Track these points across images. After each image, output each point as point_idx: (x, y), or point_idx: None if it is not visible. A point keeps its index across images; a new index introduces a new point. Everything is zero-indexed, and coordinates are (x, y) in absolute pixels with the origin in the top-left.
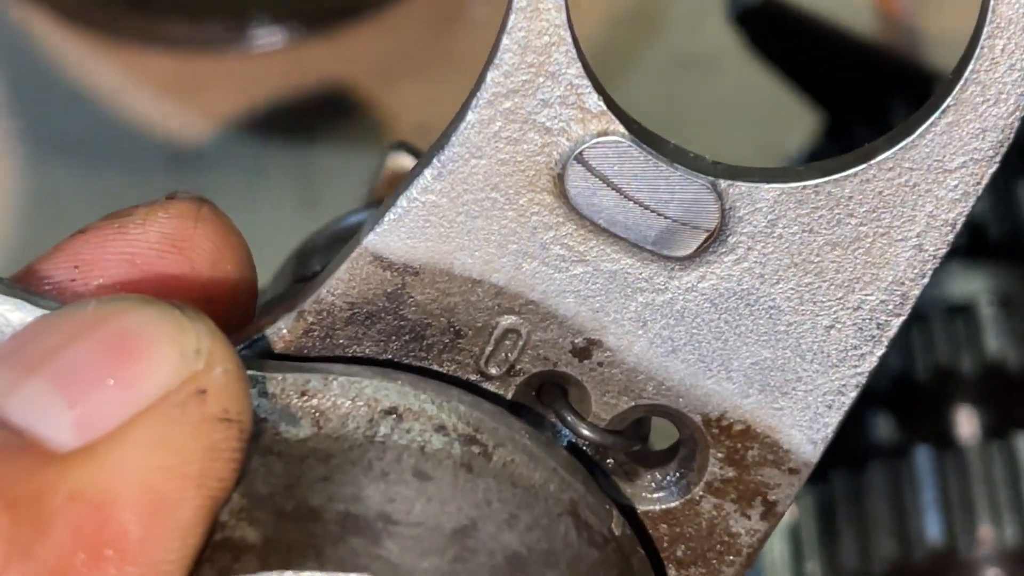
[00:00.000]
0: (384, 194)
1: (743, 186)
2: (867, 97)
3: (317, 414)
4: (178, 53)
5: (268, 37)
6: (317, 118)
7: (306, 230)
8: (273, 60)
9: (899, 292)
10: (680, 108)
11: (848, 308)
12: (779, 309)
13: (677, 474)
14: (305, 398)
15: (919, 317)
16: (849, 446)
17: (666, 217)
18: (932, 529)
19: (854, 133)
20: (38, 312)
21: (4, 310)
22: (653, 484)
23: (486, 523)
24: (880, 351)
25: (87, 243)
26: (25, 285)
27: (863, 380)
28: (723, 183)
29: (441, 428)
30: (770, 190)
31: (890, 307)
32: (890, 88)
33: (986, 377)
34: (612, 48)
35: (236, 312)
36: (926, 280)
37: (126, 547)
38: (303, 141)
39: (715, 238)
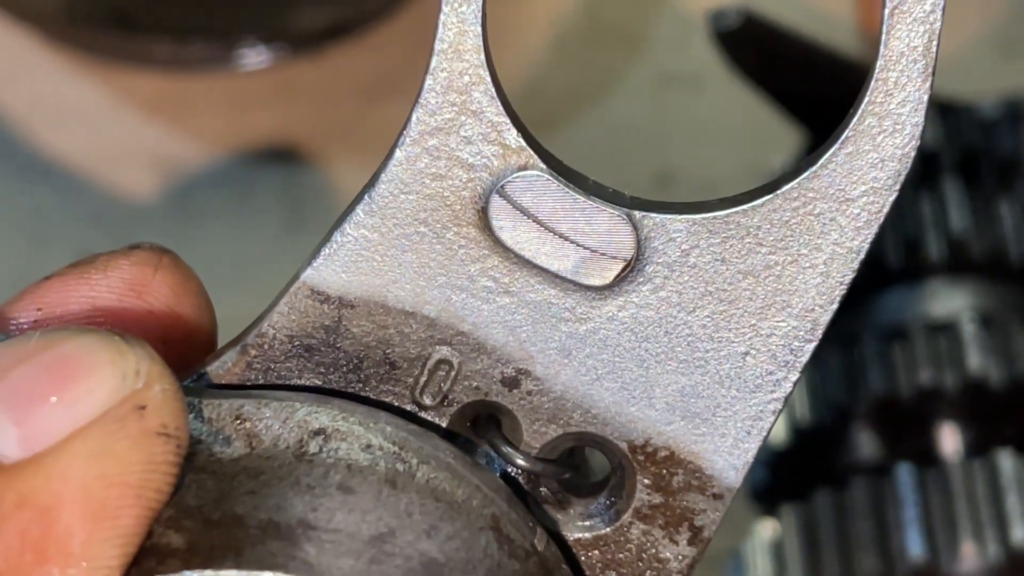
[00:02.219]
0: None
1: (657, 217)
2: (847, 114)
3: (250, 436)
4: (164, 73)
5: (254, 57)
6: (303, 138)
7: (293, 249)
8: (259, 80)
9: (810, 318)
10: (664, 126)
11: (762, 335)
12: (696, 337)
13: (607, 502)
14: (239, 421)
15: (901, 335)
16: (832, 464)
17: (584, 247)
18: (914, 546)
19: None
20: None
21: None
22: (584, 512)
23: (405, 532)
24: (794, 376)
25: (51, 288)
26: None
27: (779, 406)
28: (638, 214)
29: (368, 447)
30: (683, 221)
31: (802, 333)
32: None
33: (968, 394)
34: (597, 67)
35: (193, 353)
36: (835, 306)
37: (69, 550)
38: (289, 161)
39: (632, 267)
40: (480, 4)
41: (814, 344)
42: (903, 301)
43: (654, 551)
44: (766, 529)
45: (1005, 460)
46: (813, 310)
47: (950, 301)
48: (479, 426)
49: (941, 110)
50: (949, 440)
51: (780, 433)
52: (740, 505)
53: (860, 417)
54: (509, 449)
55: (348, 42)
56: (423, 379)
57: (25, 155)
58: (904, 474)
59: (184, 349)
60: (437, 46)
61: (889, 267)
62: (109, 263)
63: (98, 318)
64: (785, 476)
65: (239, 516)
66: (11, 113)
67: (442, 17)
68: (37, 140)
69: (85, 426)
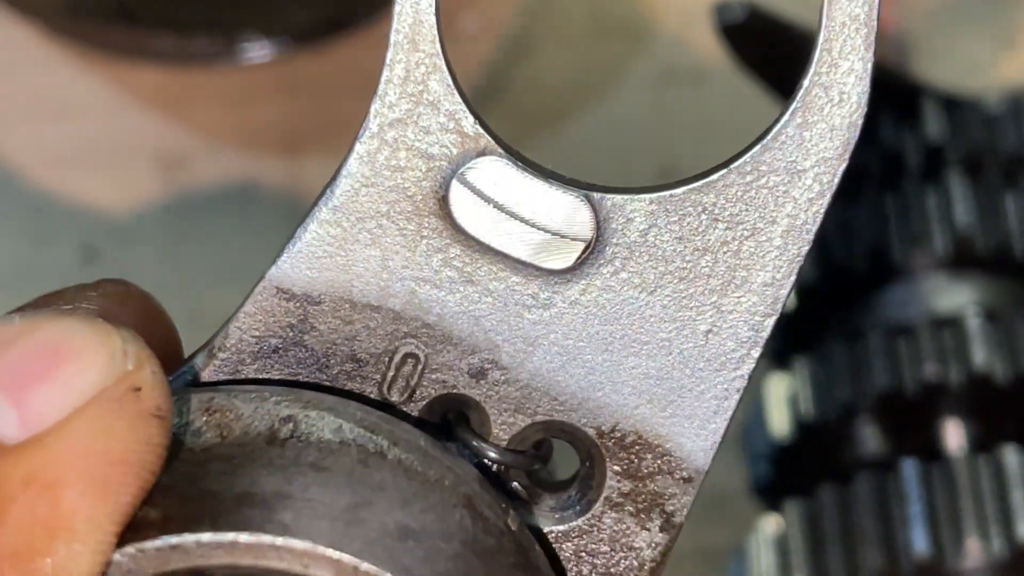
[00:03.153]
0: None
1: (616, 198)
2: None
3: (220, 427)
4: (166, 67)
5: (257, 51)
6: (305, 132)
7: None
8: (262, 74)
9: (769, 293)
10: (667, 121)
11: (723, 312)
12: (658, 317)
13: (578, 493)
14: (209, 413)
15: (906, 330)
16: (836, 459)
17: (544, 230)
18: (919, 541)
19: None
20: None
21: None
22: (555, 505)
23: (379, 502)
24: (757, 352)
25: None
26: None
27: (744, 383)
28: (596, 196)
29: (338, 430)
30: (641, 200)
31: (762, 308)
32: (877, 101)
33: (973, 390)
34: (599, 62)
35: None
36: (793, 278)
37: (74, 526)
38: (292, 155)
39: (592, 249)
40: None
41: (774, 319)
42: (908, 296)
43: (626, 539)
44: (769, 524)
45: (1010, 455)
46: (772, 284)
47: (955, 296)
48: (447, 423)
49: (946, 105)
50: (954, 435)
51: (784, 428)
52: (743, 500)
53: (865, 412)
54: (479, 443)
55: (351, 36)
56: (390, 374)
57: (26, 149)
58: (909, 469)
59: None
60: (393, 37)
61: (894, 262)
62: (77, 296)
63: None
64: (789, 471)
65: (213, 491)
66: (13, 106)
67: (396, 8)
68: (38, 134)
69: (83, 406)
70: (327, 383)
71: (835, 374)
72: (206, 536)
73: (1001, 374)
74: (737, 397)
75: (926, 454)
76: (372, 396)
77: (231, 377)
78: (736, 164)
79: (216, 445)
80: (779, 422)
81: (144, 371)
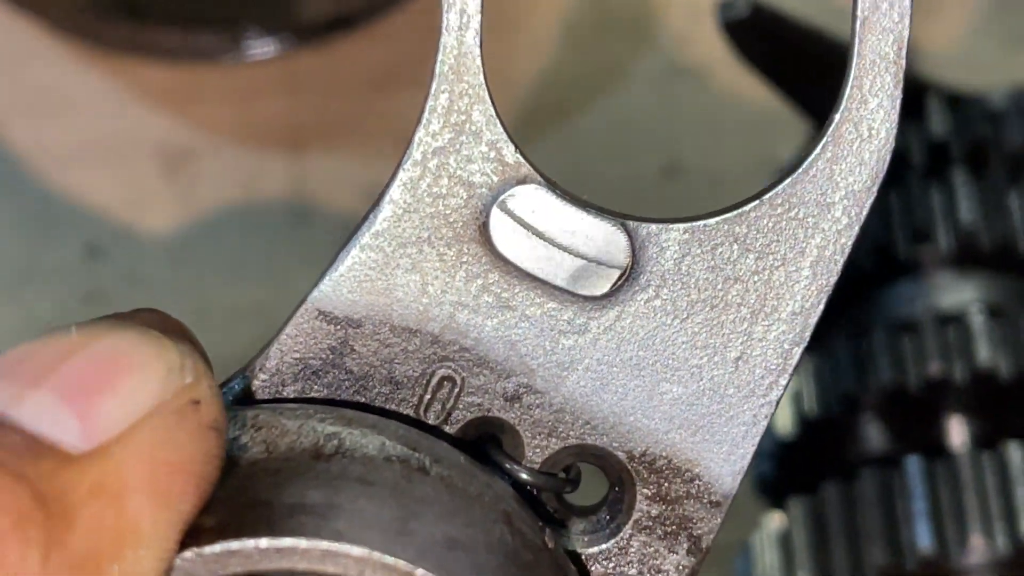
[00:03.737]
0: None
1: (651, 227)
2: None
3: (267, 442)
4: (172, 63)
5: (261, 47)
6: (309, 128)
7: (298, 239)
8: (266, 70)
9: (798, 322)
10: (672, 118)
11: (753, 340)
12: (690, 344)
13: (607, 517)
14: (255, 429)
15: (910, 327)
16: (840, 455)
17: (581, 257)
18: (923, 538)
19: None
20: None
21: None
22: (585, 528)
23: (425, 515)
24: (784, 380)
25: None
26: None
27: (772, 410)
28: (632, 224)
29: (382, 447)
30: (676, 229)
31: (791, 336)
32: None
33: (977, 386)
34: (604, 58)
35: None
36: (822, 307)
37: (140, 532)
38: (296, 151)
39: (627, 276)
40: (478, 28)
41: (802, 347)
42: (912, 293)
43: (654, 563)
44: (774, 521)
45: (1014, 452)
46: (801, 313)
47: (959, 293)
48: (481, 445)
49: (950, 102)
50: (958, 432)
51: (788, 425)
52: (747, 498)
53: (869, 409)
54: (512, 465)
55: (355, 33)
56: (427, 397)
57: (31, 146)
58: (913, 466)
59: None
60: (438, 68)
61: (898, 259)
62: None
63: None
64: (793, 468)
65: (265, 501)
66: (17, 103)
67: (443, 41)
68: (44, 130)
69: (146, 417)
70: (365, 403)
71: (839, 371)
72: (264, 541)
73: (1005, 371)
74: (765, 423)
75: (930, 451)
76: (409, 416)
77: (273, 397)
78: (768, 196)
79: (263, 459)
80: (783, 419)
81: (203, 385)
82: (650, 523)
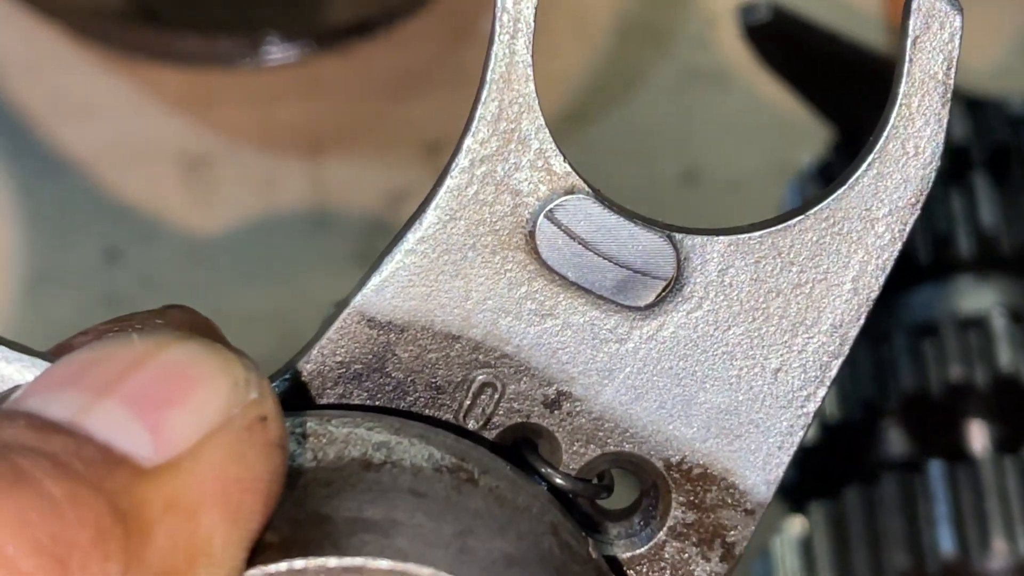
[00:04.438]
0: None
1: (697, 238)
2: (876, 111)
3: (315, 451)
4: (191, 68)
5: (280, 52)
6: (328, 133)
7: (316, 244)
8: (285, 75)
9: (839, 334)
10: (690, 123)
11: (794, 351)
12: (732, 355)
13: (641, 523)
14: (303, 437)
15: (931, 331)
16: (862, 460)
17: (627, 268)
18: (945, 542)
19: (863, 147)
20: (30, 361)
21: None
22: (619, 533)
23: (480, 530)
24: (823, 392)
25: (85, 343)
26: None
27: (809, 420)
28: (678, 235)
29: (430, 457)
30: (720, 241)
31: (831, 348)
32: None
33: (999, 391)
34: (622, 63)
35: None
36: (862, 321)
37: (212, 551)
38: (314, 155)
39: (671, 288)
40: (530, 36)
41: (842, 359)
42: (933, 297)
43: (687, 569)
44: (795, 526)
45: None
46: (841, 326)
47: (980, 297)
48: (517, 449)
49: (970, 106)
50: (979, 436)
51: (810, 430)
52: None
53: (890, 414)
54: (549, 470)
55: (374, 38)
56: (467, 402)
57: (52, 150)
58: (935, 470)
59: None
60: (489, 76)
61: (919, 264)
62: (145, 321)
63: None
64: (814, 473)
65: (324, 515)
66: (38, 107)
67: (494, 49)
68: (63, 135)
69: (215, 432)
70: (406, 409)
71: (861, 376)
72: (332, 561)
73: None
74: (802, 434)
75: (952, 455)
76: (450, 423)
77: (314, 400)
78: (813, 211)
79: (312, 469)
80: None
81: (269, 401)
82: (684, 530)
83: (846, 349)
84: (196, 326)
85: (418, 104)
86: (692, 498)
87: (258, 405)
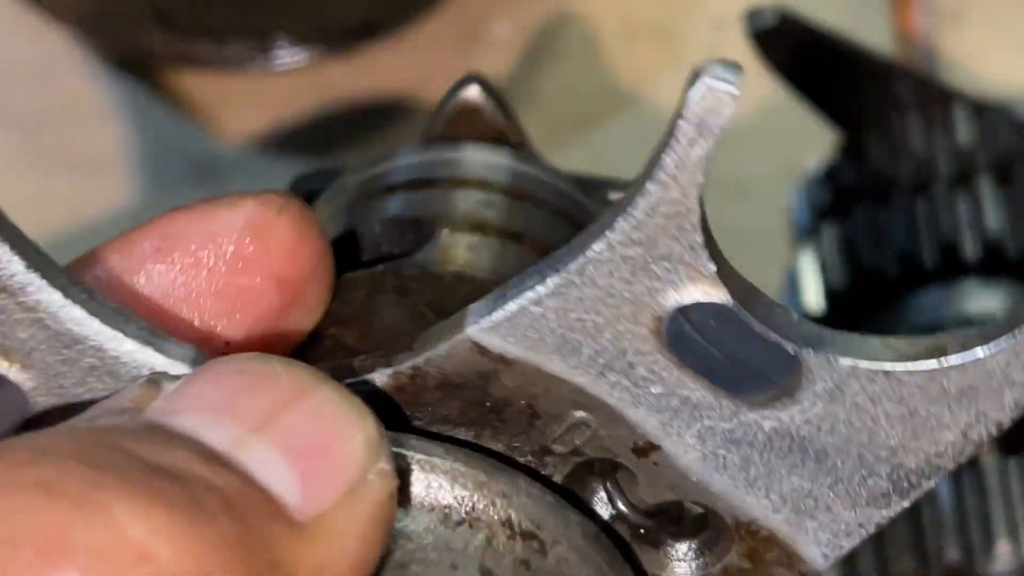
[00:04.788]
0: (448, 129)
1: (822, 356)
2: (883, 115)
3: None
4: (202, 72)
5: (290, 57)
6: (338, 136)
7: None
8: (295, 79)
9: (936, 464)
10: None
11: (888, 465)
12: (826, 454)
13: (697, 551)
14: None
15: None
16: None
17: (749, 371)
18: (949, 546)
19: (869, 151)
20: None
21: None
22: (675, 555)
23: None
24: (906, 503)
25: (176, 219)
26: (118, 256)
27: (884, 522)
28: (804, 351)
29: (507, 523)
30: (846, 363)
31: (925, 472)
32: (906, 106)
33: None
34: (630, 67)
35: (307, 298)
36: (964, 459)
37: None
38: (324, 158)
39: (788, 394)
40: (708, 151)
41: (932, 482)
42: (939, 300)
43: None
44: None
45: None
46: (942, 458)
47: (985, 300)
48: (595, 465)
49: (977, 112)
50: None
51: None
52: None
53: None
54: (622, 501)
55: (382, 42)
56: (559, 432)
57: (63, 154)
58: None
59: (299, 290)
60: (656, 174)
61: (926, 267)
62: (236, 201)
63: (217, 259)
64: None
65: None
66: (50, 111)
67: (669, 151)
68: (76, 138)
69: (354, 492)
70: (497, 425)
71: None
72: None
73: None
74: (873, 530)
75: None
76: (535, 445)
77: (410, 398)
78: (950, 363)
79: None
80: None
81: (386, 454)
82: (738, 573)
83: (939, 476)
84: (286, 210)
85: (427, 107)
86: (752, 552)
87: (390, 478)
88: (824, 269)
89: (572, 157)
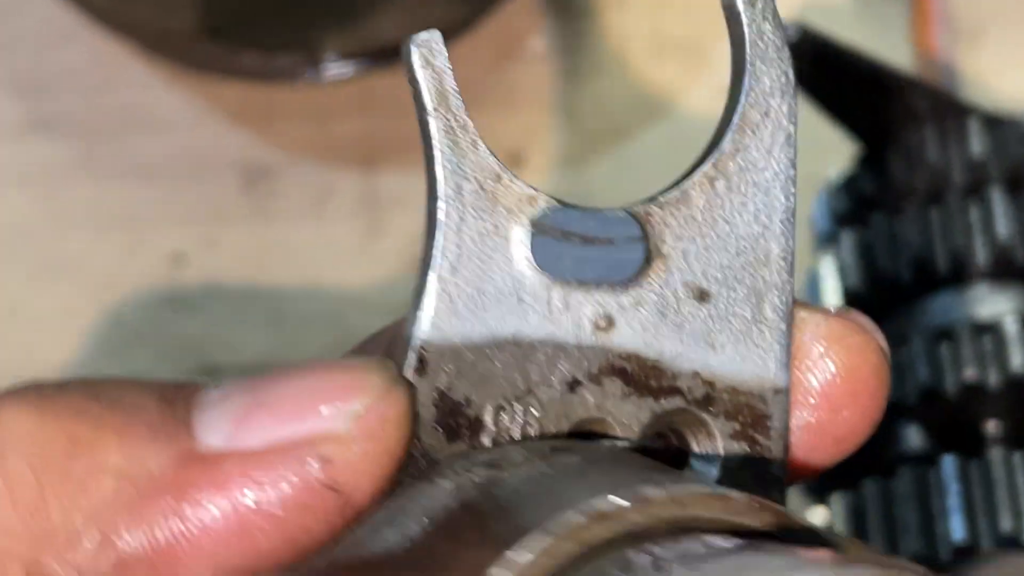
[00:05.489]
0: None
1: (640, 207)
2: (900, 128)
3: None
4: (252, 83)
5: (337, 69)
6: (383, 146)
7: (371, 253)
8: (342, 91)
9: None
10: None
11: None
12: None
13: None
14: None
15: (948, 335)
16: (880, 455)
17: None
18: (957, 530)
19: (887, 162)
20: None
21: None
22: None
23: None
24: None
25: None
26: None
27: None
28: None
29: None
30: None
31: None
32: (922, 119)
33: (1010, 391)
34: (661, 81)
35: None
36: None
37: None
38: (369, 168)
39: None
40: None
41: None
42: (951, 304)
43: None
44: (817, 515)
45: None
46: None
47: (995, 304)
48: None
49: (990, 125)
50: (991, 433)
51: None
52: (794, 493)
53: (908, 411)
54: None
55: None
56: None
57: (119, 162)
58: (948, 464)
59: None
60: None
61: (938, 272)
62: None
63: None
64: (835, 467)
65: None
66: (108, 120)
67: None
68: (130, 147)
69: None
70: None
71: None
72: None
73: None
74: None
75: (965, 450)
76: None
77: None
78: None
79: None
80: None
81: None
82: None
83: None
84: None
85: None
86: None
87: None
88: (843, 273)
89: (606, 167)
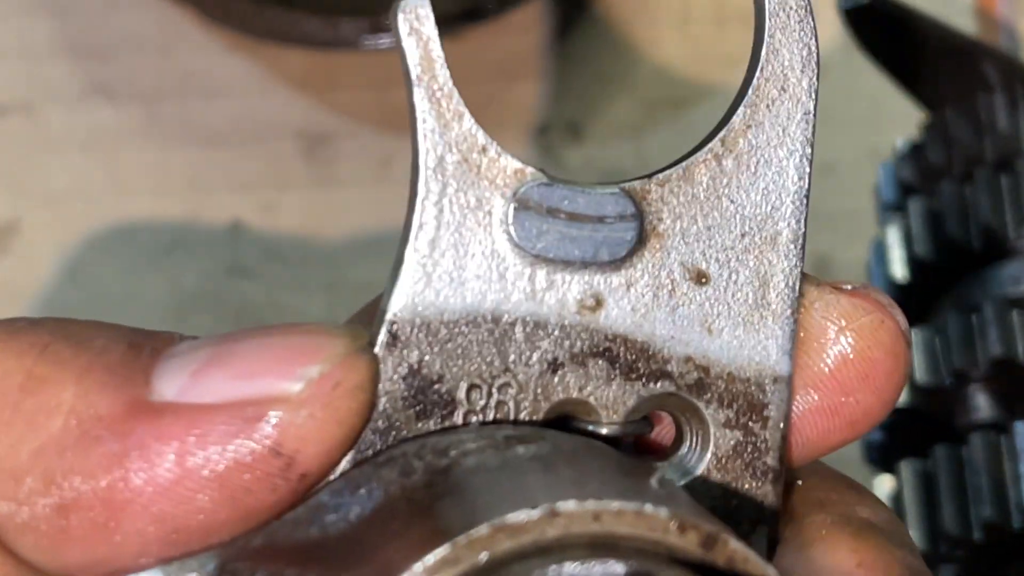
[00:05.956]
0: None
1: (635, 183)
2: (968, 94)
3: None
4: (313, 49)
5: None
6: None
7: None
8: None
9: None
10: None
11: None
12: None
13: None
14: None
15: (1019, 303)
16: (951, 422)
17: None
18: (987, 504)
19: (951, 129)
20: None
21: None
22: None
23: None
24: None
25: None
26: None
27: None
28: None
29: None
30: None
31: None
32: (991, 86)
33: None
34: (721, 50)
35: None
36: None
37: None
38: None
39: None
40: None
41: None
42: (1021, 272)
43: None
44: (884, 484)
45: None
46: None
47: None
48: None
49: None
50: None
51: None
52: (857, 464)
53: (979, 379)
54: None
55: (484, 24)
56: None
57: (181, 127)
58: (1021, 431)
59: None
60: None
61: (1008, 240)
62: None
63: None
64: (903, 435)
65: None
66: (170, 86)
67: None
68: (192, 113)
69: None
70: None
71: (949, 343)
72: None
73: None
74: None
75: None
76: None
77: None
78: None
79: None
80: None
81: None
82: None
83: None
84: None
85: (527, 87)
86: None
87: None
88: (909, 241)
89: (665, 138)
